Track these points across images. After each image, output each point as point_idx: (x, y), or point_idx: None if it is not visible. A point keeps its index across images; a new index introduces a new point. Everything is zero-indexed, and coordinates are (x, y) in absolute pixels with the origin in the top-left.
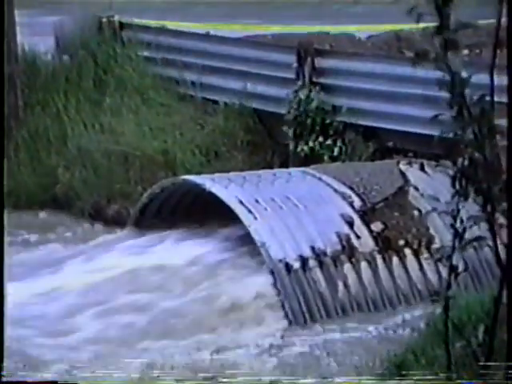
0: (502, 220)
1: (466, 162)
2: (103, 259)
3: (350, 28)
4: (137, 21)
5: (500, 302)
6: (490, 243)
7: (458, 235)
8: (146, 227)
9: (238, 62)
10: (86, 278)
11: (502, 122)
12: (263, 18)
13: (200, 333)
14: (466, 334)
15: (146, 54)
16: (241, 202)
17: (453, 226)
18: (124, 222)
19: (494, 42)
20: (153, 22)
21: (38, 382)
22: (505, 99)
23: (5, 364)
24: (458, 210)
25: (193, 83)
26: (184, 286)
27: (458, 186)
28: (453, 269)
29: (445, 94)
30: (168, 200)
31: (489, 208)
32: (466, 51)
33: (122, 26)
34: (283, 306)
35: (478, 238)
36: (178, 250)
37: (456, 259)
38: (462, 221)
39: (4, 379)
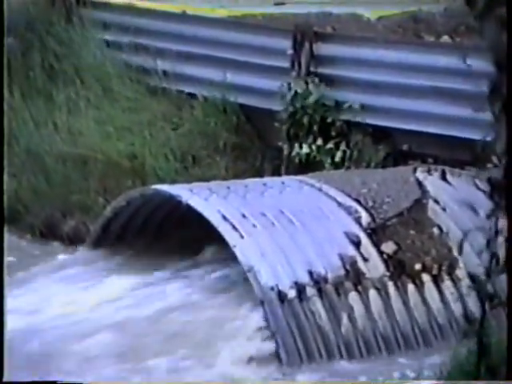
0: None
1: (502, 170)
2: (30, 295)
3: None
4: None
5: None
6: None
7: (495, 258)
8: (109, 248)
9: (220, 48)
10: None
11: None
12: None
13: None
14: (500, 377)
15: (108, 37)
16: (224, 218)
17: (489, 246)
18: (82, 240)
19: None
20: None
21: (38, 382)
22: None
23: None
24: (497, 229)
25: (165, 73)
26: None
27: (496, 199)
28: (487, 299)
29: (470, 88)
30: (136, 215)
31: None
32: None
33: (78, 2)
34: (275, 343)
35: None
36: (141, 294)
37: (490, 288)
38: (501, 242)
39: (4, 379)
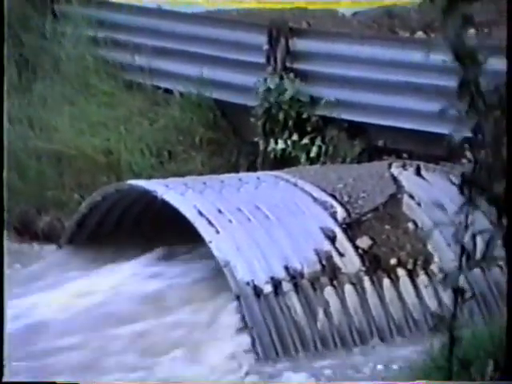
0: None
1: (477, 164)
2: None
3: (333, 4)
4: None
5: None
6: (502, 262)
7: (465, 252)
8: (84, 244)
9: (196, 43)
10: None
11: None
12: None
13: None
14: (473, 372)
15: (84, 31)
16: (200, 213)
17: (460, 241)
18: (57, 237)
19: (508, 19)
20: None
21: (38, 382)
22: None
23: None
24: (467, 223)
25: (141, 68)
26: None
27: (466, 194)
28: (459, 293)
29: (445, 83)
30: (111, 210)
31: (504, 221)
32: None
33: None
34: (251, 338)
35: (491, 257)
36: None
37: (462, 281)
38: (472, 236)
39: (4, 379)
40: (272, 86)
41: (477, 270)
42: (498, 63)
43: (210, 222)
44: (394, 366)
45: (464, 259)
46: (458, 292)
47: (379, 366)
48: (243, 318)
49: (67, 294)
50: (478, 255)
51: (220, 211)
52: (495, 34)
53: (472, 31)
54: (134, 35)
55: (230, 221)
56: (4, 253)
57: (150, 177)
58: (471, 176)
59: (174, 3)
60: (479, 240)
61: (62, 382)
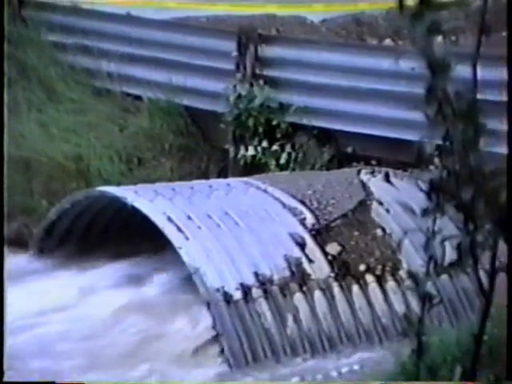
0: (485, 242)
1: (444, 171)
2: None
3: (302, 7)
4: None
5: (481, 338)
6: (469, 269)
7: (433, 258)
8: (52, 252)
9: (165, 50)
10: None
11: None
12: None
13: None
14: (441, 377)
15: (52, 38)
16: (170, 219)
17: (427, 248)
18: (25, 244)
19: (479, 26)
20: None
21: (38, 382)
22: (489, 96)
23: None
24: (434, 229)
25: (110, 75)
26: None
27: (434, 200)
28: (426, 299)
29: (413, 90)
30: (80, 217)
31: (471, 227)
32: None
33: (21, 2)
34: (221, 345)
35: (458, 263)
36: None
37: (429, 287)
38: (440, 242)
39: (4, 379)
40: (243, 93)
41: (445, 277)
42: (465, 70)
43: (179, 229)
44: (362, 370)
45: (432, 265)
46: (425, 298)
47: (344, 370)
48: (213, 325)
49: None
50: (446, 261)
51: (190, 218)
52: (463, 41)
53: (440, 38)
54: (103, 41)
55: (200, 227)
56: (4, 255)
57: (119, 183)
58: (439, 182)
59: (146, 6)
60: (448, 246)
61: (62, 382)
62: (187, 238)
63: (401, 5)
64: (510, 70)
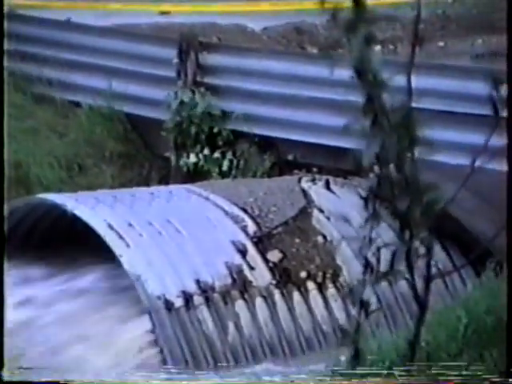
0: (420, 249)
1: (381, 179)
2: None
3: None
4: None
5: (417, 344)
6: (407, 275)
7: (369, 266)
8: None
9: (106, 57)
10: None
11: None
12: None
13: None
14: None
15: None
16: (110, 227)
17: (364, 255)
18: None
19: (413, 37)
20: None
21: (38, 382)
22: (423, 105)
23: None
24: (371, 237)
25: (50, 81)
26: None
27: (370, 208)
28: (363, 305)
29: (353, 98)
30: (19, 224)
31: (407, 235)
32: (378, 47)
33: None
34: (161, 352)
35: (394, 271)
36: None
37: (367, 294)
38: (376, 249)
39: (4, 379)
40: (183, 100)
41: (384, 283)
42: (402, 80)
43: (120, 236)
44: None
45: (369, 272)
46: (362, 305)
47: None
48: (154, 332)
49: None
50: (383, 268)
51: (131, 225)
52: (400, 50)
53: (378, 48)
54: (43, 48)
55: (141, 235)
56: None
57: (59, 190)
58: (376, 190)
59: (88, 9)
60: (385, 253)
61: (63, 382)
62: (128, 246)
63: (334, 17)
64: (510, 73)
